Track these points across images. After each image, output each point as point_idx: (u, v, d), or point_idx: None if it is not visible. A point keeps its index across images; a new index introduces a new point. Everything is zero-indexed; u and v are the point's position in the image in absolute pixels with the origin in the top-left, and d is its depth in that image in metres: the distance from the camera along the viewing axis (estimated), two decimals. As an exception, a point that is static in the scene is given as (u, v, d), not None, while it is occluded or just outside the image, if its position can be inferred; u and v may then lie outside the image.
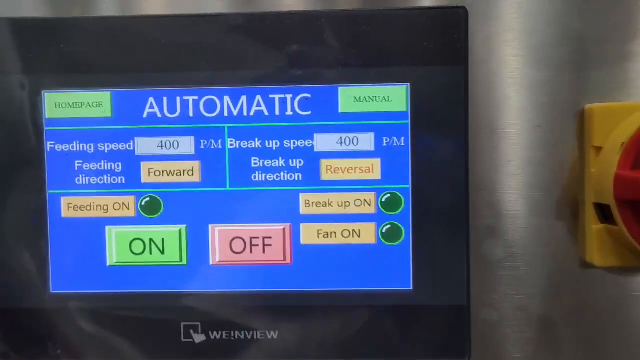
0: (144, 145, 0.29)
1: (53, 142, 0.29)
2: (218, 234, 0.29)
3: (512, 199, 0.29)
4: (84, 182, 0.29)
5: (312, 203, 0.29)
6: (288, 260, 0.29)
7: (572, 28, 0.29)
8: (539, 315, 0.30)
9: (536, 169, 0.29)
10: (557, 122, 0.29)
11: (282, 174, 0.29)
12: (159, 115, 0.29)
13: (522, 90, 0.29)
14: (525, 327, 0.30)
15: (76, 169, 0.29)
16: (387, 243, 0.29)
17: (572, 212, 0.30)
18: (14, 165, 0.29)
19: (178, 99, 0.29)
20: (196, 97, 0.29)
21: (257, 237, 0.29)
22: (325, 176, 0.29)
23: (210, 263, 0.29)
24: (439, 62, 0.28)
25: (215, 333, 0.29)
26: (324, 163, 0.29)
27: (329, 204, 0.29)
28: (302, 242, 0.29)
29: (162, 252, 0.29)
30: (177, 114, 0.29)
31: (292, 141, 0.29)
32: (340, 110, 0.29)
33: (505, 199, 0.30)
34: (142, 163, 0.29)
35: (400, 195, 0.29)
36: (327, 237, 0.29)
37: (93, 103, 0.29)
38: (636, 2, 0.29)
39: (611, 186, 0.26)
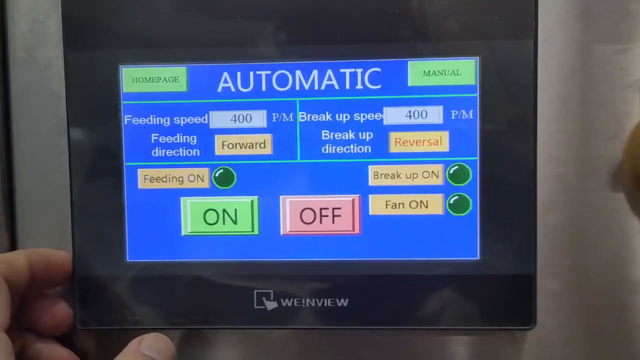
0: (218, 118, 0.30)
1: (130, 116, 0.30)
2: (289, 205, 0.30)
3: (577, 170, 0.30)
4: (160, 155, 0.30)
5: (381, 175, 0.30)
6: (357, 231, 0.30)
7: (636, 3, 0.29)
8: (602, 285, 0.30)
9: (602, 141, 0.30)
10: (624, 96, 0.30)
11: (351, 146, 0.30)
12: (233, 89, 0.30)
13: (589, 64, 0.29)
14: (589, 296, 0.30)
15: (152, 141, 0.30)
16: (455, 214, 0.30)
17: (635, 184, 0.30)
18: (94, 138, 0.30)
19: (251, 73, 0.30)
20: (269, 72, 0.30)
21: (327, 208, 0.30)
22: (393, 148, 0.30)
23: (281, 233, 0.30)
24: (508, 35, 0.29)
25: (286, 300, 0.30)
26: (393, 136, 0.30)
27: (397, 176, 0.30)
28: (370, 212, 0.30)
29: (235, 222, 0.30)
30: (250, 88, 0.30)
31: (361, 114, 0.30)
32: (409, 84, 0.29)
33: (571, 170, 0.30)
34: (216, 136, 0.30)
35: (467, 167, 0.30)
36: (395, 207, 0.30)
37: (169, 78, 0.30)
38: None
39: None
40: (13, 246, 0.32)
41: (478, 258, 0.30)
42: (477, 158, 0.29)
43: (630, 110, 0.30)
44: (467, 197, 0.30)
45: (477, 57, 0.29)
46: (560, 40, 0.30)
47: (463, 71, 0.29)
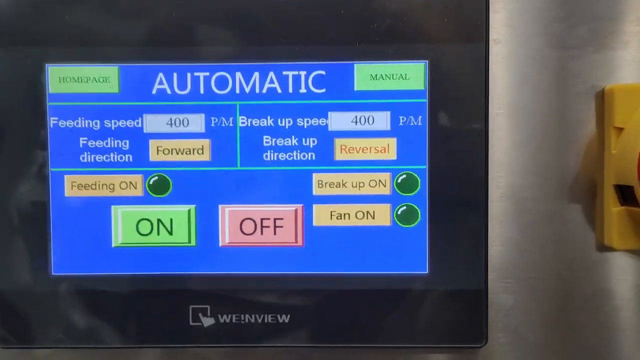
0: (153, 122, 0.28)
1: (57, 118, 0.28)
2: (228, 215, 0.28)
3: (529, 180, 0.29)
4: (89, 160, 0.28)
5: (326, 183, 0.28)
6: (300, 243, 0.29)
7: (591, 7, 0.28)
8: (555, 300, 0.29)
9: (554, 151, 0.29)
10: (575, 103, 0.29)
11: (294, 153, 0.28)
12: (169, 91, 0.28)
13: (542, 70, 0.28)
14: (541, 312, 0.29)
15: (81, 146, 0.28)
16: (403, 225, 0.28)
17: (590, 194, 0.29)
18: (16, 142, 0.28)
19: (189, 75, 0.28)
20: (207, 74, 0.28)
21: (268, 218, 0.29)
22: (339, 156, 0.28)
23: (220, 244, 0.29)
24: (458, 39, 0.27)
25: (224, 317, 0.28)
26: (338, 142, 0.28)
27: (343, 185, 0.28)
28: (314, 223, 0.28)
29: (170, 233, 0.29)
30: (187, 91, 0.28)
31: (305, 119, 0.28)
32: (355, 88, 0.28)
33: (522, 180, 0.29)
34: (150, 141, 0.28)
35: (416, 176, 0.28)
36: (341, 218, 0.28)
37: (99, 78, 0.28)
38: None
39: (635, 166, 0.26)
40: None
41: (427, 272, 0.28)
42: (426, 167, 0.28)
43: (584, 118, 0.29)
44: (416, 207, 0.28)
45: (426, 61, 0.28)
46: (511, 45, 0.29)
47: (411, 75, 0.28)
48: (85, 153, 0.28)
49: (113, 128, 0.28)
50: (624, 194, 0.27)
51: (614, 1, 0.28)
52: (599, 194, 0.28)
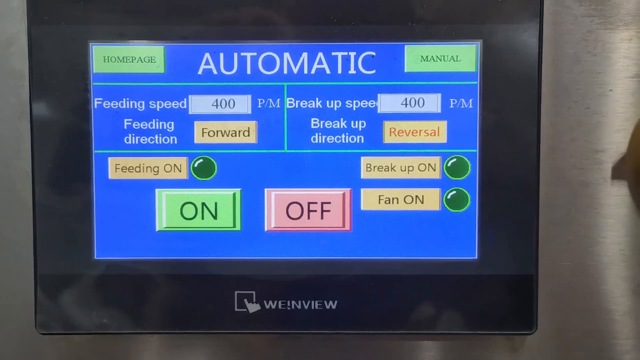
0: (198, 103, 0.28)
1: (101, 99, 0.27)
2: (274, 199, 0.28)
3: (581, 163, 0.28)
4: (133, 142, 0.28)
5: (374, 167, 0.28)
6: (347, 227, 0.28)
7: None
8: (606, 287, 0.29)
9: (606, 134, 0.28)
10: (629, 86, 0.28)
11: (343, 136, 0.28)
12: (215, 72, 0.27)
13: (596, 52, 0.28)
14: (591, 298, 0.29)
15: (125, 127, 0.28)
16: (452, 210, 0.28)
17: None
18: (60, 122, 0.27)
19: (235, 55, 0.27)
20: (254, 54, 0.27)
21: (315, 202, 0.28)
22: (388, 139, 0.28)
23: (266, 229, 0.28)
24: (512, 19, 0.27)
25: (270, 303, 0.28)
26: (388, 125, 0.28)
27: (392, 169, 0.28)
28: (362, 208, 0.28)
29: (215, 217, 0.28)
30: (233, 71, 0.27)
31: (354, 101, 0.28)
32: (405, 70, 0.27)
33: (574, 163, 0.28)
34: (195, 122, 0.28)
35: (466, 160, 0.28)
36: (389, 203, 0.28)
37: (145, 58, 0.27)
38: None
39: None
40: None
41: (476, 257, 0.28)
42: (477, 150, 0.28)
43: (636, 101, 0.28)
44: (466, 192, 0.28)
45: (478, 42, 0.27)
46: (564, 25, 0.28)
47: (463, 57, 0.27)
48: (130, 135, 0.28)
49: (158, 109, 0.28)
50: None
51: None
52: (653, 179, 0.28)
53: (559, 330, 0.29)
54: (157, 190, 0.28)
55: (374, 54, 0.27)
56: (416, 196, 0.28)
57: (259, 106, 0.28)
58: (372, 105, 0.28)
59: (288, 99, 0.28)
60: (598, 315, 0.29)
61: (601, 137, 0.28)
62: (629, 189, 0.28)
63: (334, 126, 0.28)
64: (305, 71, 0.27)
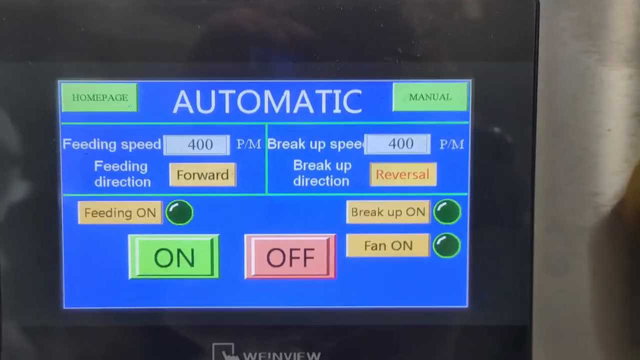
0: (173, 144, 0.26)
1: (70, 139, 0.26)
2: (254, 245, 0.27)
3: (578, 207, 0.27)
4: (105, 185, 0.26)
5: (360, 211, 0.27)
6: (332, 275, 0.27)
7: (643, 24, 0.27)
8: (604, 334, 0.27)
9: (604, 176, 0.27)
10: (629, 125, 0.27)
11: (327, 178, 0.26)
12: (191, 110, 0.26)
13: (593, 90, 0.27)
14: (588, 346, 0.28)
15: (96, 169, 0.26)
16: (442, 256, 0.27)
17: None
18: (25, 165, 0.26)
19: (213, 92, 0.26)
20: (233, 91, 0.26)
21: (298, 249, 0.27)
22: (375, 182, 0.26)
23: (245, 277, 0.27)
24: (505, 57, 0.26)
25: (250, 355, 0.27)
26: (374, 167, 0.26)
27: (379, 213, 0.27)
28: (347, 254, 0.27)
29: (192, 264, 0.27)
30: (211, 110, 0.26)
31: (339, 142, 0.26)
32: (393, 109, 0.26)
33: (570, 207, 0.27)
34: (170, 164, 0.26)
35: (457, 204, 0.26)
36: (376, 249, 0.27)
37: (116, 96, 0.26)
38: None
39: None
40: None
41: (467, 306, 0.27)
42: (468, 194, 0.26)
43: (636, 142, 0.27)
44: (456, 237, 0.26)
45: (470, 80, 0.26)
46: (561, 63, 0.27)
47: (454, 95, 0.26)
48: (101, 177, 0.26)
49: (130, 150, 0.26)
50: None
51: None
52: (651, 222, 0.27)
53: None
54: (129, 235, 0.26)
55: (360, 92, 0.26)
56: (404, 242, 0.27)
57: (238, 147, 0.26)
58: (358, 146, 0.26)
59: (269, 139, 0.26)
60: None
61: (599, 179, 0.27)
62: (628, 234, 0.27)
63: (317, 168, 0.26)
64: (288, 110, 0.26)
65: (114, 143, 0.26)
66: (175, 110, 0.26)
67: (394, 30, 0.26)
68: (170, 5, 0.25)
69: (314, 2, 0.25)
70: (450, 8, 0.25)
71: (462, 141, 0.26)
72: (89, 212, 0.26)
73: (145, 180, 0.26)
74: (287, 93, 0.26)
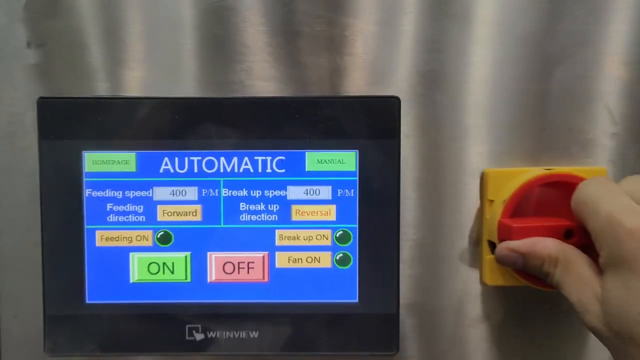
0: (160, 192, 0.39)
1: (90, 189, 0.39)
2: (214, 259, 0.39)
3: (431, 235, 0.40)
4: (114, 220, 0.39)
5: (285, 237, 0.39)
6: (266, 279, 0.39)
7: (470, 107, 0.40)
8: (447, 321, 0.41)
9: (452, 214, 0.40)
10: (463, 181, 0.40)
11: (262, 215, 0.39)
12: (172, 170, 0.39)
13: (441, 157, 0.40)
14: (437, 331, 0.41)
15: (107, 209, 0.39)
16: (340, 267, 0.39)
17: (475, 245, 0.40)
18: (62, 206, 0.39)
19: (186, 159, 0.39)
20: (199, 158, 0.39)
21: (243, 262, 0.39)
22: (295, 217, 0.39)
23: (208, 281, 0.39)
24: (379, 136, 0.39)
25: (211, 333, 0.39)
26: (294, 208, 0.39)
27: (297, 238, 0.39)
28: (277, 265, 0.39)
29: (172, 272, 0.39)
30: (185, 170, 0.39)
31: (270, 191, 0.39)
32: (307, 169, 0.39)
33: (427, 235, 0.40)
34: (158, 206, 0.39)
35: (350, 232, 0.39)
36: (295, 262, 0.39)
37: (122, 161, 0.39)
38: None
39: (496, 229, 0.37)
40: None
41: (357, 301, 0.39)
42: (357, 225, 0.39)
43: (473, 192, 0.40)
44: (349, 254, 0.39)
45: (357, 150, 0.39)
46: (420, 138, 0.40)
47: (346, 160, 0.39)
48: (111, 215, 0.39)
49: (131, 197, 0.39)
50: (494, 247, 0.39)
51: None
52: (480, 246, 0.40)
53: (417, 352, 0.41)
54: (131, 253, 0.39)
55: (284, 158, 0.39)
56: (314, 257, 0.39)
57: (203, 195, 0.39)
58: (282, 194, 0.39)
59: (224, 189, 0.39)
60: (446, 341, 0.41)
61: (445, 216, 0.40)
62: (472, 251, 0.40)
63: (256, 208, 0.39)
64: (236, 170, 0.39)
65: (120, 192, 0.39)
66: (161, 171, 0.39)
67: (306, 119, 0.38)
68: (157, 103, 0.38)
69: (251, 103, 0.38)
70: (341, 105, 0.38)
71: (352, 190, 0.39)
72: (103, 237, 0.39)
73: (141, 217, 0.39)
74: (235, 159, 0.39)
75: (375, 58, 0.39)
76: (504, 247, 0.36)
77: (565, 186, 0.36)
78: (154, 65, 0.40)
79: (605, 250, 0.31)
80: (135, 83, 0.40)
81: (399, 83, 0.39)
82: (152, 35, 0.39)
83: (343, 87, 0.40)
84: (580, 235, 0.35)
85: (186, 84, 0.40)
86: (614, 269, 0.31)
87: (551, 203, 0.37)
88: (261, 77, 0.40)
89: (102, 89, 0.40)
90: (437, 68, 0.39)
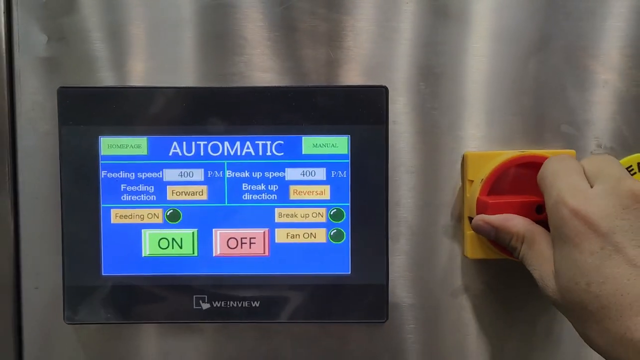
0: (169, 174, 0.43)
1: (106, 171, 0.43)
2: (219, 235, 0.43)
3: (418, 213, 0.44)
4: (127, 199, 0.43)
5: (284, 215, 0.43)
6: (267, 254, 0.43)
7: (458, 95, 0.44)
8: (432, 292, 0.44)
9: (436, 193, 0.44)
10: (446, 163, 0.44)
11: (263, 195, 0.43)
12: (180, 154, 0.43)
13: (425, 142, 0.44)
14: (423, 300, 0.45)
15: (122, 190, 0.43)
16: (334, 242, 0.43)
17: (457, 222, 0.44)
18: (80, 186, 0.42)
19: (193, 143, 0.43)
20: (205, 142, 0.43)
21: (246, 237, 0.43)
22: (292, 197, 0.43)
23: (214, 255, 0.43)
24: (368, 121, 0.42)
25: (216, 302, 0.43)
26: (292, 188, 0.43)
27: (295, 215, 0.43)
28: (276, 241, 0.43)
29: (181, 247, 0.43)
30: (192, 153, 0.43)
31: (270, 172, 0.43)
32: (303, 152, 0.43)
33: (413, 213, 0.44)
34: (167, 186, 0.43)
35: (343, 210, 0.43)
36: (293, 238, 0.43)
37: (134, 145, 0.42)
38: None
39: (475, 206, 0.41)
40: (18, 264, 0.44)
41: (349, 272, 0.43)
42: (349, 204, 0.43)
43: (456, 173, 0.44)
44: (343, 230, 0.43)
45: (349, 136, 0.43)
46: (407, 125, 0.44)
47: (339, 145, 0.43)
48: (125, 194, 0.43)
49: (143, 178, 0.43)
50: (474, 222, 0.43)
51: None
52: (462, 222, 0.44)
53: (406, 320, 0.45)
54: (142, 230, 0.43)
55: (282, 142, 0.43)
56: (311, 233, 0.43)
57: (209, 176, 0.43)
58: (281, 175, 0.43)
59: (227, 171, 0.43)
60: (432, 310, 0.45)
61: (430, 195, 0.44)
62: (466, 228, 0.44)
63: (257, 188, 0.43)
64: (239, 153, 0.43)
65: (133, 174, 0.43)
66: (170, 154, 0.43)
67: (302, 107, 0.42)
68: (168, 92, 0.42)
69: (252, 92, 0.42)
70: (334, 94, 0.42)
71: (345, 172, 0.43)
72: (117, 215, 0.43)
73: (152, 196, 0.43)
74: (238, 143, 0.43)
75: (366, 51, 0.43)
76: (479, 218, 0.40)
77: (537, 167, 0.40)
78: (157, 58, 0.43)
79: (553, 227, 0.35)
80: (140, 75, 0.43)
81: (389, 74, 0.43)
82: (156, 31, 0.43)
83: (337, 78, 0.44)
84: (549, 210, 0.39)
85: (188, 75, 0.44)
86: (560, 245, 0.34)
87: (525, 182, 0.41)
88: (260, 68, 0.44)
89: (109, 80, 0.43)
90: (422, 61, 0.43)
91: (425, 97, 0.44)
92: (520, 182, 0.41)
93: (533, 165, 0.41)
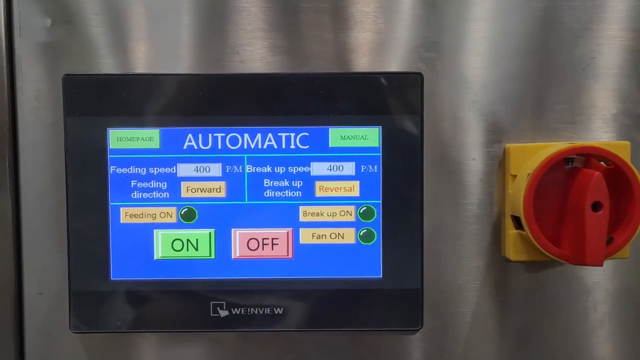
0: (184, 169, 0.39)
1: (115, 166, 0.39)
2: (238, 236, 0.39)
3: (452, 211, 0.40)
4: (138, 197, 0.39)
5: (309, 213, 0.39)
6: (290, 255, 0.40)
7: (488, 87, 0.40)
8: (469, 297, 0.41)
9: (473, 189, 0.40)
10: (487, 156, 0.40)
11: (286, 191, 0.39)
12: (195, 147, 0.39)
13: (462, 133, 0.40)
14: (462, 305, 0.41)
15: (132, 186, 0.39)
16: (364, 243, 0.40)
17: (497, 221, 0.41)
18: (87, 183, 0.39)
19: (210, 135, 0.39)
20: (223, 134, 0.39)
21: (268, 238, 0.40)
22: (318, 193, 0.39)
23: (232, 257, 0.40)
24: (402, 111, 0.39)
25: (235, 309, 0.39)
26: (318, 184, 0.39)
27: (321, 214, 0.40)
28: (301, 242, 0.40)
29: (196, 249, 0.39)
30: (209, 147, 0.39)
31: (294, 167, 0.39)
32: (330, 145, 0.39)
33: (450, 210, 0.40)
34: (182, 182, 0.39)
35: (373, 208, 0.39)
36: (319, 238, 0.40)
37: (146, 137, 0.39)
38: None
39: (521, 203, 0.37)
40: (20, 268, 0.40)
41: (381, 276, 0.40)
42: (380, 201, 0.39)
43: (495, 168, 0.40)
44: (373, 230, 0.40)
45: (380, 127, 0.39)
46: (439, 115, 0.40)
47: (370, 136, 0.39)
48: (135, 191, 0.39)
49: (155, 173, 0.39)
50: (517, 221, 0.39)
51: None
52: (502, 221, 0.40)
53: (440, 327, 0.41)
54: (155, 230, 0.39)
55: (307, 134, 0.39)
56: (338, 234, 0.40)
57: (227, 171, 0.39)
58: (306, 170, 0.39)
59: (247, 165, 0.39)
60: (466, 316, 0.41)
61: (465, 193, 0.40)
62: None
63: (280, 185, 0.39)
64: (260, 146, 0.39)
65: (144, 169, 0.39)
66: (185, 147, 0.39)
67: (330, 95, 0.39)
68: (181, 79, 0.39)
69: (274, 78, 0.39)
70: (364, 81, 0.38)
71: (375, 166, 0.39)
72: (127, 214, 0.39)
73: (165, 193, 0.39)
74: (259, 135, 0.39)
75: (400, 35, 0.40)
76: None
77: (589, 158, 0.37)
78: (157, 44, 0.40)
79: None
80: (151, 61, 0.40)
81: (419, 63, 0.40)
82: (155, 16, 0.39)
83: (364, 64, 0.40)
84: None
85: (199, 62, 0.40)
86: None
87: (575, 176, 0.37)
88: (279, 52, 0.40)
89: (118, 67, 0.40)
90: (463, 50, 0.40)
91: (464, 86, 0.40)
92: (569, 177, 0.38)
93: (584, 158, 0.37)
